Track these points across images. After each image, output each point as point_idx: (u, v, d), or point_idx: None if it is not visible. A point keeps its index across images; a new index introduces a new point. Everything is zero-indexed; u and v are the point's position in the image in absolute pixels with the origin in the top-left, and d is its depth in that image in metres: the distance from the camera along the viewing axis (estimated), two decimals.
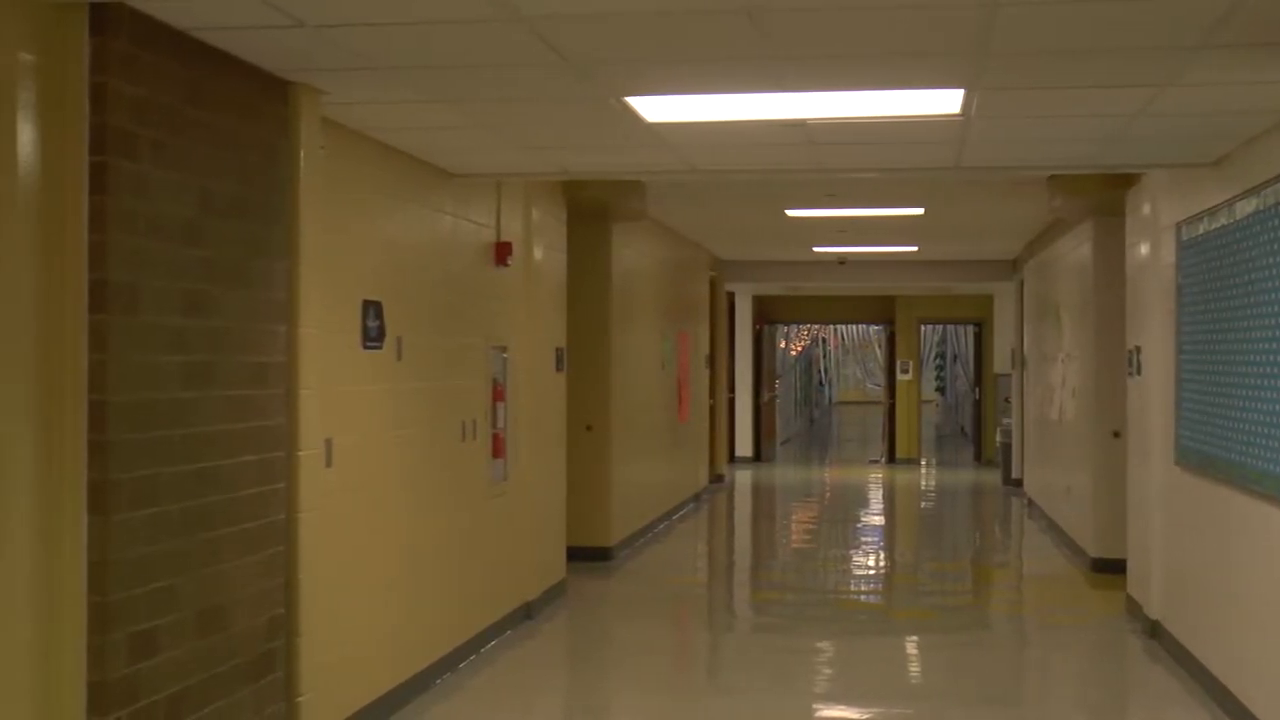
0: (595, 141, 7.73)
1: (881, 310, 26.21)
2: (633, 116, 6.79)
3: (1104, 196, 10.83)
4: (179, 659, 5.14)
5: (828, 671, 9.33)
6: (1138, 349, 10.04)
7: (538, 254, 10.41)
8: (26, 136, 4.48)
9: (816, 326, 42.31)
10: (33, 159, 4.51)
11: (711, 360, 20.66)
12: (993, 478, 21.76)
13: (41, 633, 4.58)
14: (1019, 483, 19.30)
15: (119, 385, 4.76)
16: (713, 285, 20.54)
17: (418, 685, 7.97)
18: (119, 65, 4.74)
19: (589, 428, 12.80)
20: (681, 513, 17.11)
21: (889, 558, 14.80)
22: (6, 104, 4.40)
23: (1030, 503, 17.78)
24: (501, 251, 9.49)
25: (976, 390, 25.79)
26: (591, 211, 12.09)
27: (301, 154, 6.06)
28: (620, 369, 13.39)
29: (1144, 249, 9.88)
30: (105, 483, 4.69)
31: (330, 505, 6.49)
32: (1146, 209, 9.79)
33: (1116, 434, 11.70)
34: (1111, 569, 11.69)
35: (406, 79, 6.00)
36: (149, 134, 4.93)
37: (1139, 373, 10.00)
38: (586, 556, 12.64)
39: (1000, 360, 22.63)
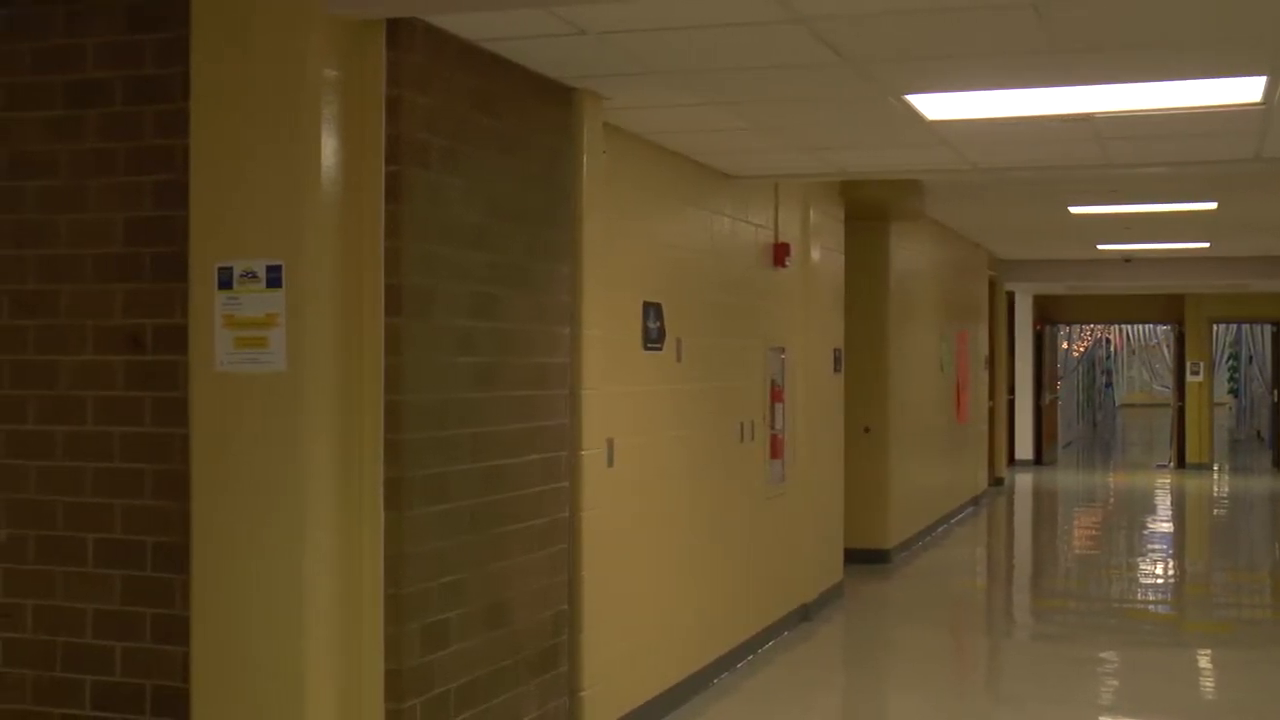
0: (874, 141, 7.66)
1: (1169, 309, 25.14)
2: (913, 115, 6.69)
3: None
4: (468, 651, 5.30)
5: (1113, 683, 9.01)
6: None
7: (815, 255, 10.36)
8: (329, 148, 4.69)
9: (1100, 326, 40.91)
10: (334, 169, 4.72)
11: (990, 361, 20.22)
12: None
13: (343, 623, 4.78)
14: None
15: (413, 386, 4.94)
16: (992, 285, 20.11)
17: (695, 684, 8.03)
18: (413, 77, 4.92)
19: (866, 429, 12.68)
20: (960, 516, 16.78)
21: (1179, 567, 14.19)
22: (312, 118, 4.62)
23: None
24: (780, 252, 9.49)
25: (1275, 392, 24.48)
26: (869, 211, 11.98)
27: (584, 158, 6.17)
28: (898, 370, 13.23)
29: None
30: (401, 480, 4.87)
31: (611, 504, 6.59)
32: None
33: None
34: None
35: (686, 83, 6.06)
36: (440, 142, 5.10)
37: None
38: (864, 559, 12.52)
39: None
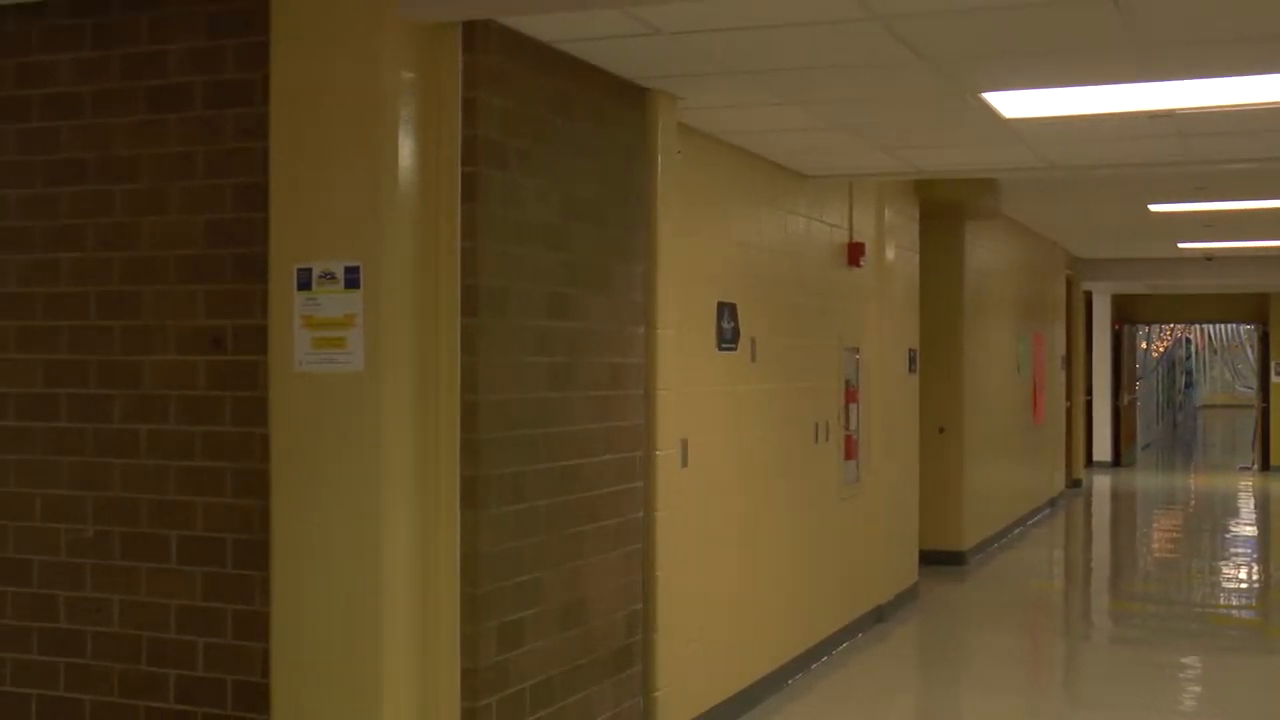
0: (950, 140, 7.61)
1: (1254, 308, 24.73)
2: (990, 113, 6.64)
3: None
4: (544, 650, 5.32)
5: (1195, 689, 8.88)
6: None
7: (890, 254, 10.31)
8: (406, 150, 4.73)
9: (1180, 326, 40.32)
10: (411, 171, 4.76)
11: (1068, 361, 20.00)
12: None
13: (420, 621, 4.82)
14: None
15: (489, 386, 4.97)
16: (1069, 284, 19.90)
17: (769, 685, 8.01)
18: (489, 79, 4.95)
19: (941, 429, 12.60)
20: (1036, 518, 16.62)
21: (1263, 571, 13.95)
22: (389, 120, 4.66)
23: None
24: (854, 252, 9.45)
25: None
26: (944, 210, 11.92)
27: (659, 159, 6.18)
28: (973, 370, 13.13)
29: None
30: (477, 479, 4.90)
31: (686, 504, 6.59)
32: None
33: None
34: None
35: (761, 82, 6.04)
36: (516, 143, 5.13)
37: None
38: (938, 560, 12.44)
39: None
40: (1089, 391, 22.79)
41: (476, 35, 4.91)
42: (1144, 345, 32.76)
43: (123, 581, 5.12)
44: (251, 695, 4.90)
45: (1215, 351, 50.32)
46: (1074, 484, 20.39)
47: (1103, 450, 23.56)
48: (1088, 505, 19.30)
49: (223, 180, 4.96)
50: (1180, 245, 17.38)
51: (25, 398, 5.28)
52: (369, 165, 4.66)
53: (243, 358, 4.93)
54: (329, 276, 4.69)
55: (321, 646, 4.70)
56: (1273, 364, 24.46)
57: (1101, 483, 21.76)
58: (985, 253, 13.74)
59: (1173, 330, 40.37)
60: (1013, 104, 6.49)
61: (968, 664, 9.60)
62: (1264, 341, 25.04)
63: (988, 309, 13.92)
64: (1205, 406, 47.92)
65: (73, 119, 5.18)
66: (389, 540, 4.67)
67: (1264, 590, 12.77)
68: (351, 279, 4.66)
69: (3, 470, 5.31)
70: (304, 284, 4.72)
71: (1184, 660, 9.43)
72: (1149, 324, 30.77)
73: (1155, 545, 16.01)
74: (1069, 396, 20.17)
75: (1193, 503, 20.51)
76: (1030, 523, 16.17)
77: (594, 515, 5.70)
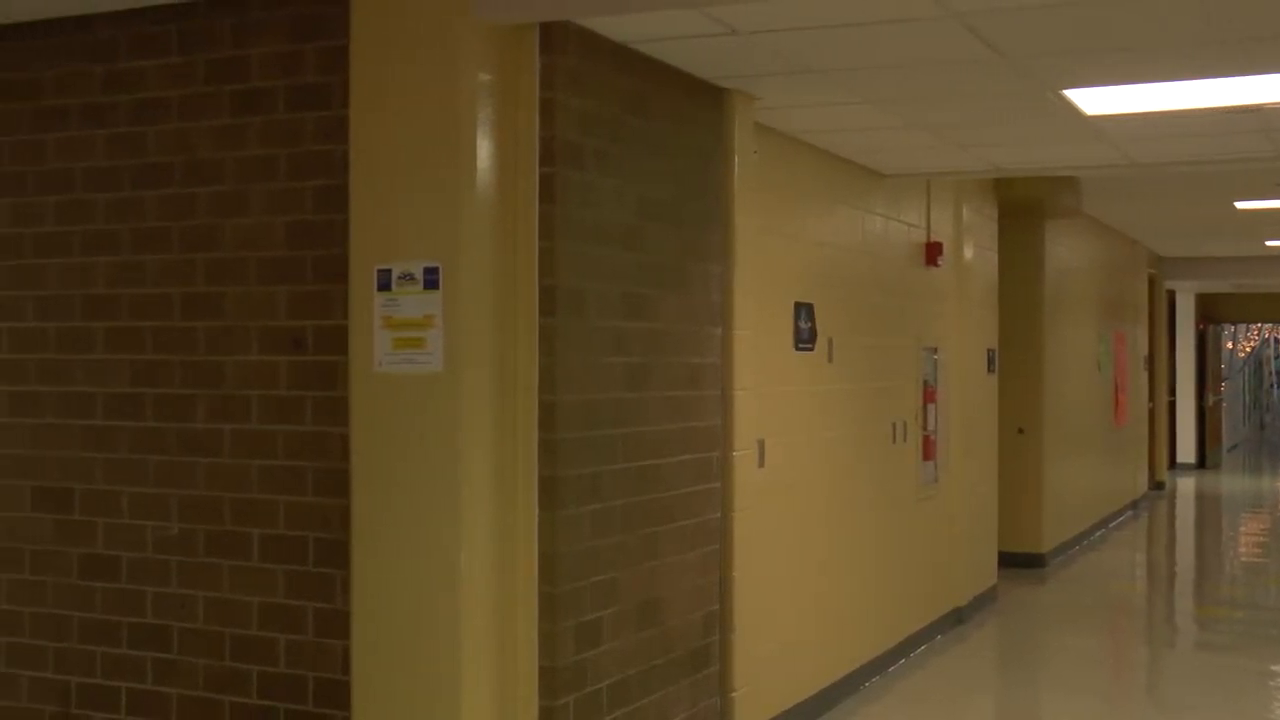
0: (1030, 137, 7.53)
1: None
2: (1070, 110, 6.57)
3: None
4: (621, 649, 5.33)
5: None
6: None
7: (968, 253, 10.23)
8: (484, 151, 4.76)
9: (1267, 325, 39.64)
10: (489, 172, 4.79)
11: (1150, 361, 19.73)
12: None
13: (498, 620, 4.85)
14: None
15: (567, 386, 4.99)
16: (1151, 283, 19.63)
17: (846, 687, 7.97)
18: (566, 80, 4.97)
19: (1021, 430, 12.48)
20: (1118, 520, 16.41)
21: None
22: (468, 122, 4.69)
23: None
24: (932, 251, 9.38)
25: None
26: (1023, 209, 11.80)
27: (735, 159, 6.17)
28: (1053, 370, 12.99)
29: None
30: (555, 479, 4.93)
31: (762, 505, 6.58)
32: None
33: None
34: None
35: (838, 81, 6.02)
36: (593, 144, 5.15)
37: None
38: (1018, 563, 12.32)
39: None
40: (1172, 392, 22.46)
41: (554, 36, 4.93)
42: (1230, 345, 32.25)
43: (207, 578, 5.20)
44: (332, 692, 4.96)
45: None
46: (1157, 486, 20.11)
47: (1187, 452, 23.22)
48: (1171, 508, 19.02)
49: (303, 182, 5.02)
50: (1268, 243, 17.09)
51: (112, 397, 5.37)
52: (448, 167, 4.69)
53: (323, 358, 4.98)
54: (408, 277, 4.73)
55: (401, 644, 4.74)
56: None
57: (1185, 485, 21.44)
58: (1065, 251, 13.60)
59: (1259, 329, 39.71)
60: (1094, 100, 6.42)
61: (1047, 667, 9.50)
62: None
63: (1068, 308, 13.77)
64: None
65: (159, 123, 5.27)
66: (467, 539, 4.70)
67: None
68: (430, 280, 4.70)
69: (91, 468, 5.41)
70: (384, 285, 4.77)
71: (1273, 668, 9.27)
72: (1235, 323, 30.29)
73: (1241, 549, 15.75)
74: (1151, 397, 19.90)
75: None
76: (1112, 525, 15.96)
77: (671, 515, 5.70)
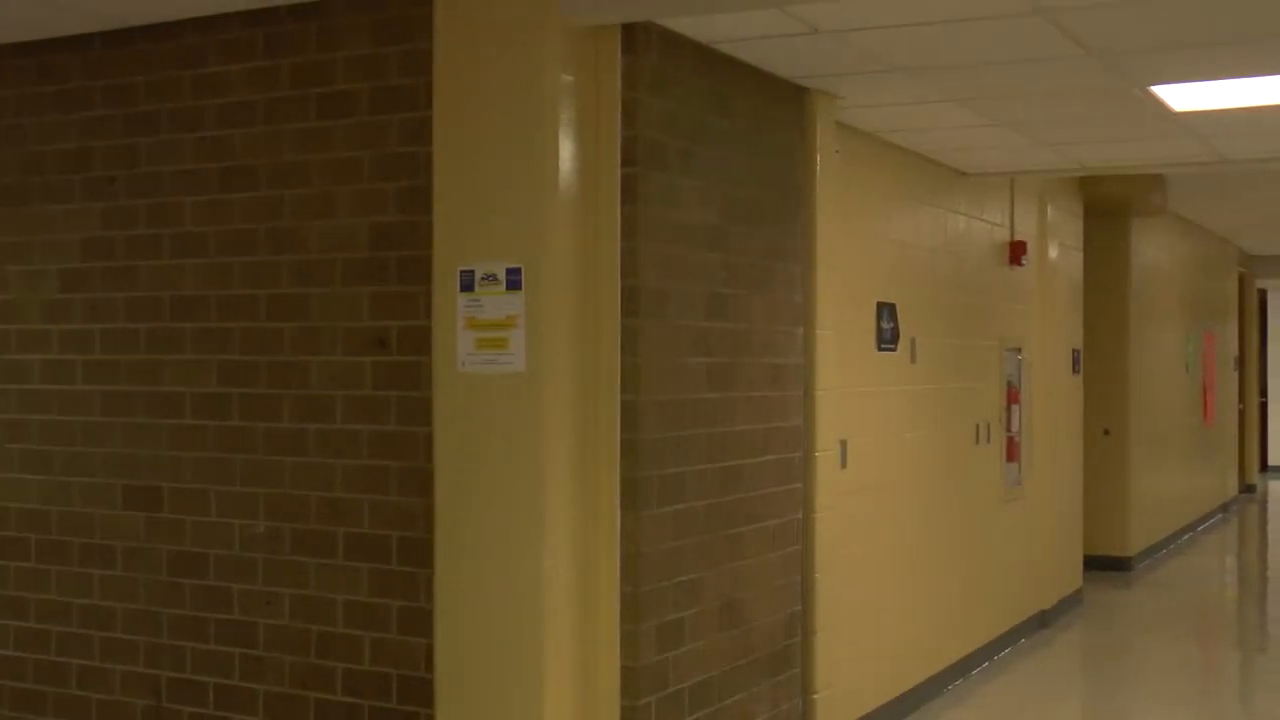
0: (1116, 134, 7.43)
1: None
2: (1158, 106, 6.48)
3: None
4: (703, 650, 5.33)
5: None
6: None
7: (1053, 253, 10.11)
8: (566, 152, 4.77)
9: None
10: (572, 173, 4.80)
11: (1240, 362, 19.40)
12: None
13: (580, 620, 4.86)
14: None
15: (649, 386, 4.99)
16: (1241, 282, 19.30)
17: (928, 690, 7.91)
18: (648, 80, 4.98)
19: (1106, 432, 12.32)
20: (1207, 524, 16.14)
21: None
22: (550, 123, 4.71)
23: None
24: (1016, 251, 9.29)
25: None
26: (1109, 207, 11.66)
27: (817, 158, 6.15)
28: (1140, 371, 12.81)
29: None
30: (637, 479, 4.93)
31: (844, 506, 6.55)
32: None
33: None
34: None
35: (921, 79, 5.98)
36: (676, 144, 5.14)
37: None
38: (1103, 566, 12.16)
39: None
40: (1264, 393, 22.06)
41: (636, 37, 4.93)
42: None
43: (292, 576, 5.25)
44: (416, 689, 4.99)
45: None
46: (1247, 489, 19.77)
47: (1279, 454, 22.80)
48: (1263, 511, 18.68)
49: (387, 184, 5.06)
50: None
51: (200, 397, 5.45)
52: (530, 167, 4.71)
53: (407, 358, 5.02)
54: (491, 278, 4.75)
55: (484, 643, 4.77)
56: None
57: (1277, 488, 21.05)
58: (1152, 250, 13.41)
59: None
60: (1183, 97, 6.32)
61: (1134, 672, 9.36)
62: None
63: (1155, 308, 13.57)
64: None
65: (245, 127, 5.33)
66: (550, 539, 4.72)
67: None
68: (513, 280, 4.72)
69: (180, 466, 5.49)
70: (467, 286, 4.80)
71: None
72: None
73: None
74: (1241, 398, 19.56)
75: None
76: (1201, 528, 15.71)
77: (753, 516, 5.68)
